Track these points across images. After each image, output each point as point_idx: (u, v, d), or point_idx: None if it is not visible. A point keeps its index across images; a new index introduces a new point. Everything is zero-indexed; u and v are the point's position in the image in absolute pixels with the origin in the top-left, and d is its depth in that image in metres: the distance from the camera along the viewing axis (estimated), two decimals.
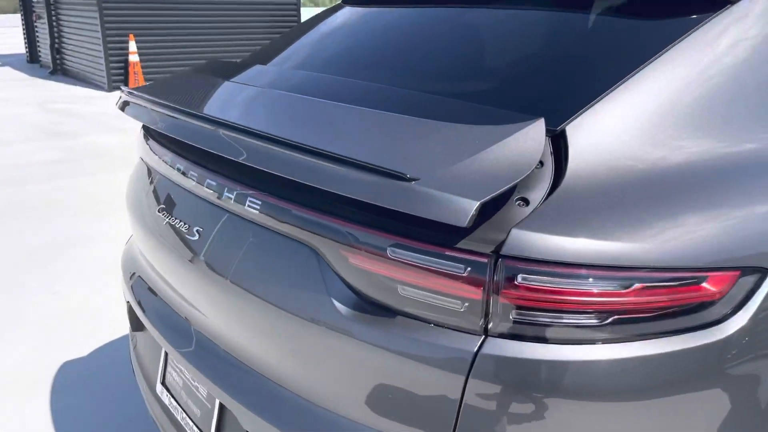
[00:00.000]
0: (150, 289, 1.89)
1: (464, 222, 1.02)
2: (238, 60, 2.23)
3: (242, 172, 1.50)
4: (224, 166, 1.55)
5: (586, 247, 1.10)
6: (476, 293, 1.13)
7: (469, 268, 1.13)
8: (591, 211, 1.13)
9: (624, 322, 1.12)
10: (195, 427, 1.71)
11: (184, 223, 1.62)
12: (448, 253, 1.15)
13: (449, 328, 1.17)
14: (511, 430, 1.14)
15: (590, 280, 1.09)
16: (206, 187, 1.57)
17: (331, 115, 1.47)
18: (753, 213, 1.22)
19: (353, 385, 1.28)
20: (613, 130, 1.25)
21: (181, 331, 1.69)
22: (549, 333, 1.12)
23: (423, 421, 1.20)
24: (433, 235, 1.17)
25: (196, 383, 1.71)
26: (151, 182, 1.87)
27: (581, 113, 1.26)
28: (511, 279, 1.11)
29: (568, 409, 1.12)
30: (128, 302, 2.02)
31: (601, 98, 1.28)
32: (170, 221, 1.68)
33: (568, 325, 1.11)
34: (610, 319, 1.11)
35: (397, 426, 1.23)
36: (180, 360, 1.64)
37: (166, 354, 1.86)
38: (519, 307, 1.12)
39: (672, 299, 1.13)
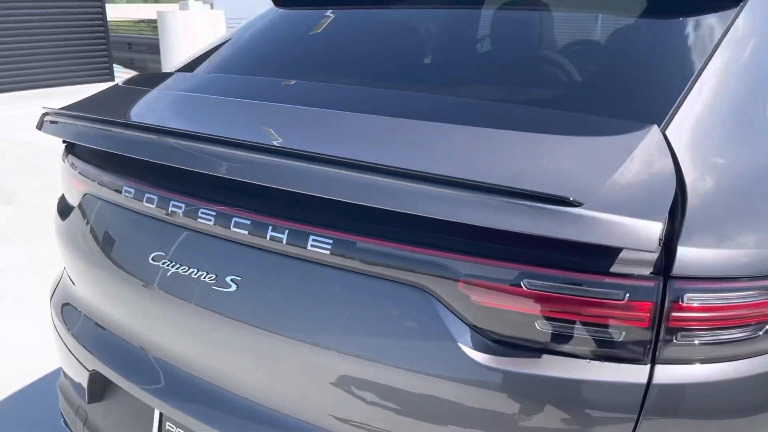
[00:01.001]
0: (136, 353, 1.56)
1: (654, 246, 0.91)
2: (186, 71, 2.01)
3: (296, 206, 1.24)
4: (262, 200, 1.29)
5: (742, 258, 1.04)
6: (642, 320, 1.01)
7: (629, 294, 1.01)
8: (728, 219, 1.09)
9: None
10: None
11: (207, 273, 1.33)
12: (602, 279, 1.01)
13: (606, 361, 1.04)
14: None
15: (753, 292, 1.03)
16: (236, 227, 1.29)
17: (413, 133, 1.28)
18: None
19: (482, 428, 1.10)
20: (704, 128, 1.21)
21: (205, 398, 1.40)
22: (720, 352, 1.04)
23: None
24: (578, 262, 1.02)
25: None
26: (122, 225, 1.57)
27: (672, 114, 1.20)
28: (679, 300, 1.01)
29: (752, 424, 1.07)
30: (93, 371, 1.66)
31: (684, 97, 1.23)
32: (178, 271, 1.38)
33: (737, 341, 1.04)
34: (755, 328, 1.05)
35: None
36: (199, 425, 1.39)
37: (162, 424, 1.55)
38: (688, 330, 1.02)
39: None
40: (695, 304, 1.00)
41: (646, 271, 1.00)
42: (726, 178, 1.16)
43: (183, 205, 1.39)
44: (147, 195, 1.47)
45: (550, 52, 1.63)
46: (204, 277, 1.33)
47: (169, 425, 1.53)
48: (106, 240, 1.59)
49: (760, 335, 1.03)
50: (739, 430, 1.06)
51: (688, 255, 1.00)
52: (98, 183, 1.63)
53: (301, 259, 1.22)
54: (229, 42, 2.12)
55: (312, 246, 1.20)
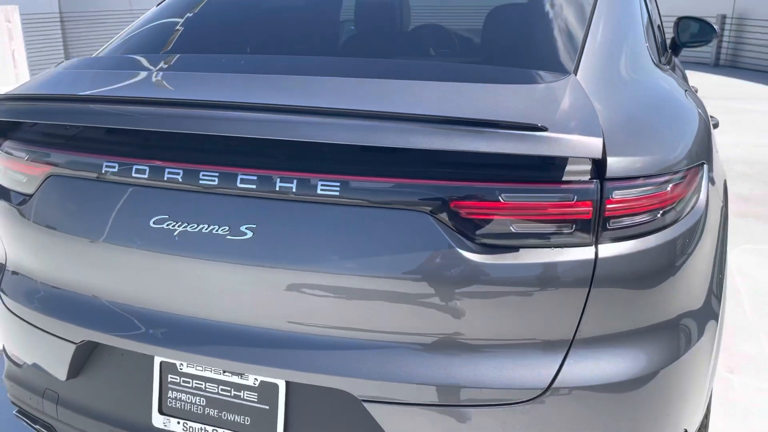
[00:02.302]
0: (140, 313, 1.67)
1: (599, 152, 1.32)
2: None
3: (299, 157, 1.48)
4: (264, 155, 1.50)
5: (643, 164, 1.46)
6: (587, 213, 1.39)
7: (576, 195, 1.38)
8: (632, 137, 1.53)
9: (665, 213, 1.48)
10: None
11: (219, 226, 1.50)
12: (558, 186, 1.37)
13: (564, 247, 1.40)
14: (629, 307, 1.47)
15: (651, 186, 1.45)
16: (243, 183, 1.49)
17: (388, 88, 1.60)
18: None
19: (489, 319, 1.44)
20: (601, 71, 1.70)
21: (209, 338, 1.58)
22: (637, 230, 1.44)
23: (548, 328, 1.44)
24: (537, 175, 1.38)
25: (251, 381, 1.61)
26: (108, 198, 1.65)
27: (576, 64, 1.68)
28: (611, 196, 1.40)
29: (663, 278, 1.49)
30: (82, 342, 1.73)
31: (582, 49, 1.73)
32: (186, 230, 1.53)
33: (645, 222, 1.45)
34: (661, 213, 1.48)
35: (526, 339, 1.45)
36: (215, 363, 1.58)
37: (164, 377, 1.69)
38: (617, 217, 1.41)
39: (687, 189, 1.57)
40: (620, 198, 1.40)
41: (588, 177, 1.38)
42: (624, 107, 1.61)
43: (180, 171, 1.55)
44: (136, 167, 1.60)
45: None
46: (216, 230, 1.51)
47: (171, 377, 1.68)
48: (90, 214, 1.67)
49: (658, 217, 1.46)
50: (651, 284, 1.47)
51: (612, 163, 1.40)
52: (66, 164, 1.70)
53: (312, 201, 1.46)
54: (156, 21, 2.29)
55: (322, 190, 1.44)
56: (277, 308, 1.53)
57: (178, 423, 1.68)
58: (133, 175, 1.60)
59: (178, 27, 2.29)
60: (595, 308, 1.41)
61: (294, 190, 1.46)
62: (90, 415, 1.81)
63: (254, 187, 1.49)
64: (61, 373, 1.81)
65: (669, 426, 1.57)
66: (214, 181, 1.52)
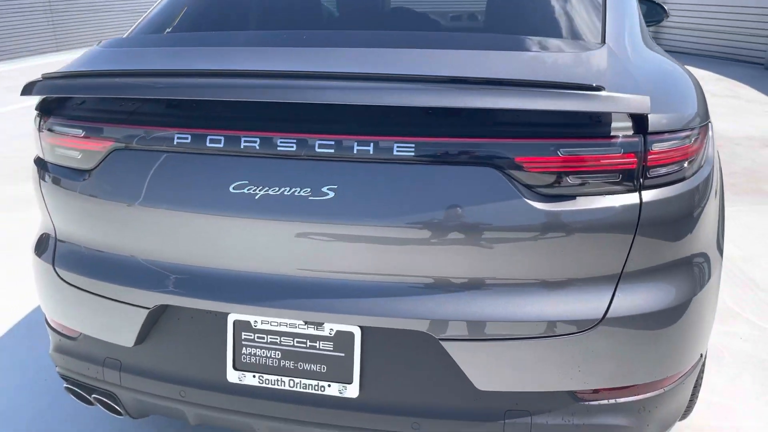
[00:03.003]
0: (217, 275, 1.78)
1: (648, 109, 1.51)
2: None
3: (374, 121, 1.64)
4: (343, 121, 1.64)
5: (671, 120, 1.69)
6: (632, 164, 1.60)
7: (623, 148, 1.59)
8: (661, 96, 1.71)
9: (690, 163, 1.72)
10: (324, 385, 1.75)
11: (301, 188, 1.64)
12: (608, 141, 1.58)
13: (614, 194, 1.61)
14: (664, 245, 1.69)
15: (678, 140, 1.68)
16: (321, 149, 1.62)
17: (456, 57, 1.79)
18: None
19: (551, 260, 1.64)
20: (623, 40, 1.91)
21: (286, 292, 1.71)
22: (672, 177, 1.67)
23: (601, 266, 1.65)
24: (591, 131, 1.58)
25: (325, 331, 1.73)
26: (181, 167, 1.76)
27: (603, 32, 1.93)
28: (651, 148, 1.61)
29: (690, 219, 1.74)
30: (155, 307, 1.83)
31: (603, 24, 1.98)
32: (268, 193, 1.66)
33: (677, 171, 1.68)
34: (686, 163, 1.71)
35: (582, 276, 1.65)
36: (295, 314, 1.72)
37: (237, 335, 1.81)
38: (656, 166, 1.63)
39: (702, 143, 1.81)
40: (657, 149, 1.61)
41: (633, 132, 1.59)
42: (646, 73, 1.83)
43: (257, 139, 1.67)
44: (210, 137, 1.70)
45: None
46: (298, 192, 1.64)
47: (245, 334, 1.79)
48: (163, 184, 1.76)
49: (684, 167, 1.68)
50: (681, 224, 1.70)
51: (652, 119, 1.61)
52: (133, 138, 1.78)
53: (389, 162, 1.60)
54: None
55: (398, 152, 1.59)
56: (357, 260, 1.67)
57: (254, 377, 1.80)
58: (208, 144, 1.70)
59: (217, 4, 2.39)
60: (639, 246, 1.62)
61: (371, 152, 1.61)
62: (158, 378, 1.90)
63: (332, 151, 1.63)
64: (128, 339, 1.89)
65: (695, 348, 1.81)
66: (292, 147, 1.65)
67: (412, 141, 1.59)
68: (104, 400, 2.03)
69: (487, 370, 1.67)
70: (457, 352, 1.65)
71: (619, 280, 1.65)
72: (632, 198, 1.60)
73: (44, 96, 1.94)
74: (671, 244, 1.69)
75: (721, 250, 1.94)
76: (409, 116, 1.63)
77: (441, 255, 1.64)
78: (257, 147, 1.67)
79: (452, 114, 1.62)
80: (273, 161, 1.67)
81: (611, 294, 1.64)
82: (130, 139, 1.79)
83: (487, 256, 1.62)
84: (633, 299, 1.65)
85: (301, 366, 1.78)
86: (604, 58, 1.74)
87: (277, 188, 1.65)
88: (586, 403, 1.69)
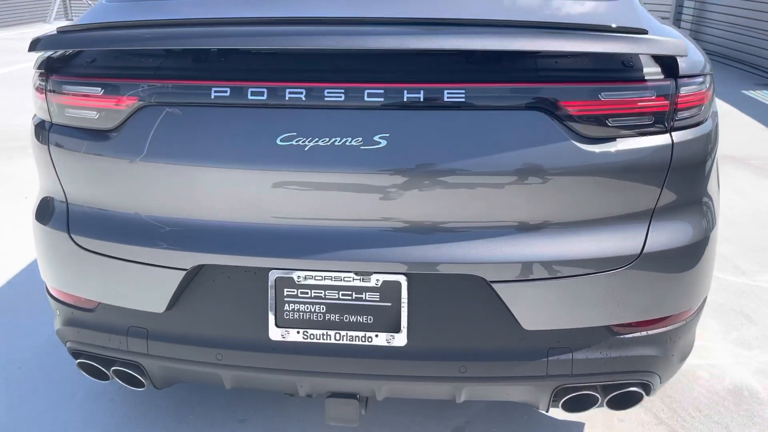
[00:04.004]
0: (262, 230, 1.75)
1: (685, 51, 1.63)
2: None
3: (422, 69, 1.66)
4: (391, 69, 1.65)
5: (690, 64, 1.77)
6: (665, 106, 1.69)
7: (655, 92, 1.69)
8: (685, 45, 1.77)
9: (707, 108, 1.83)
10: (372, 335, 1.76)
11: (352, 138, 1.63)
12: (644, 84, 1.66)
13: (648, 135, 1.70)
14: (688, 183, 1.80)
15: (697, 85, 1.77)
16: (370, 98, 1.63)
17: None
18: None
19: (593, 199, 1.72)
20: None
21: (331, 243, 1.71)
22: (695, 120, 1.76)
23: (637, 203, 1.74)
24: (628, 76, 1.66)
25: (371, 281, 1.74)
26: (220, 122, 1.72)
27: None
28: (680, 91, 1.71)
29: (706, 161, 1.85)
30: (193, 268, 1.77)
31: None
32: (318, 144, 1.64)
33: (695, 114, 1.77)
34: (703, 108, 1.81)
35: (621, 214, 1.74)
36: (340, 264, 1.72)
37: (279, 291, 1.78)
38: (683, 109, 1.73)
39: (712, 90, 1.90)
40: (685, 93, 1.72)
41: (665, 75, 1.69)
42: (660, 23, 1.93)
43: (303, 90, 1.65)
44: (251, 90, 1.67)
45: None
46: (350, 142, 1.63)
47: (287, 290, 1.77)
48: (200, 140, 1.71)
49: (702, 111, 1.80)
50: (700, 165, 1.81)
51: (680, 63, 1.72)
52: (163, 93, 1.72)
53: (440, 108, 1.63)
54: None
55: (448, 98, 1.62)
56: (408, 207, 1.69)
57: (298, 332, 1.79)
58: (250, 98, 1.67)
59: None
60: (669, 184, 1.73)
61: (422, 99, 1.63)
62: (192, 342, 1.85)
63: (382, 100, 1.63)
64: (160, 305, 1.83)
65: (708, 282, 1.94)
66: (340, 97, 1.64)
67: (462, 87, 1.63)
68: (127, 371, 1.96)
69: (534, 309, 1.73)
70: (507, 293, 1.70)
71: (651, 218, 1.75)
72: (665, 139, 1.70)
73: (55, 51, 1.84)
74: (692, 184, 1.81)
75: (719, 189, 2.09)
76: (458, 62, 1.66)
77: (492, 198, 1.68)
78: (303, 98, 1.65)
79: (501, 59, 1.67)
80: (321, 112, 1.66)
81: (646, 231, 1.74)
82: (159, 95, 1.73)
83: (535, 197, 1.68)
84: (664, 235, 1.76)
85: (347, 318, 1.78)
86: (628, 6, 1.83)
87: (327, 139, 1.65)
88: (622, 336, 1.79)
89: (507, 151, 1.64)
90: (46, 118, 1.89)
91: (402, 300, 1.75)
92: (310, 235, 1.73)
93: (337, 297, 1.78)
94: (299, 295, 1.78)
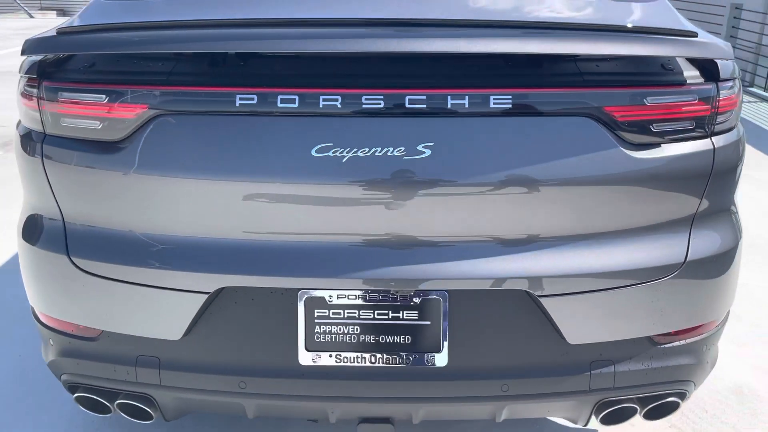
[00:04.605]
0: (290, 248, 1.62)
1: (732, 55, 1.63)
2: None
3: (468, 74, 1.58)
4: (431, 75, 1.56)
5: (724, 70, 1.72)
6: (707, 110, 1.67)
7: (698, 96, 1.65)
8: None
9: (737, 114, 1.78)
10: (410, 357, 1.66)
11: (394, 148, 1.52)
12: (688, 88, 1.63)
13: (691, 140, 1.66)
14: (724, 190, 1.77)
15: (729, 89, 1.72)
16: (412, 104, 1.53)
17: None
18: None
19: (637, 206, 1.67)
20: None
21: (370, 260, 1.61)
22: (727, 126, 1.73)
23: (679, 210, 1.70)
24: (673, 80, 1.62)
25: (413, 299, 1.64)
26: (246, 132, 1.58)
27: None
28: (720, 95, 1.68)
29: (738, 167, 1.81)
30: (216, 291, 1.63)
31: None
32: (357, 155, 1.53)
33: (729, 119, 1.73)
34: (734, 113, 1.76)
35: (664, 221, 1.69)
36: (386, 284, 1.61)
37: (309, 313, 1.65)
38: (722, 113, 1.69)
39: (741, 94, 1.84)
40: (724, 96, 1.69)
41: (707, 79, 1.65)
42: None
43: (338, 97, 1.53)
44: (281, 97, 1.53)
45: None
46: (392, 152, 1.52)
47: (318, 311, 1.65)
48: (224, 153, 1.56)
49: (733, 115, 1.76)
50: (734, 170, 1.78)
51: (720, 67, 1.68)
52: (177, 101, 1.57)
53: (486, 115, 1.54)
54: None
55: (494, 104, 1.53)
56: (452, 220, 1.60)
57: (330, 356, 1.67)
58: (279, 105, 1.54)
59: None
60: (709, 190, 1.70)
61: (466, 105, 1.53)
62: (211, 371, 1.70)
63: (425, 107, 1.53)
64: (176, 331, 1.67)
65: (736, 287, 1.93)
66: (379, 104, 1.53)
67: (508, 92, 1.54)
68: (134, 404, 1.79)
69: (579, 323, 1.67)
70: (553, 307, 1.63)
71: (692, 225, 1.71)
72: (707, 144, 1.67)
73: (47, 55, 1.65)
74: (727, 189, 1.78)
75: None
76: (504, 66, 1.58)
77: (539, 208, 1.60)
78: (339, 106, 1.53)
79: (548, 63, 1.59)
80: (359, 120, 1.54)
81: (687, 238, 1.70)
82: (176, 102, 1.57)
83: (583, 207, 1.61)
84: (703, 243, 1.73)
85: (383, 339, 1.67)
86: (666, 8, 1.79)
87: (367, 149, 1.53)
88: (663, 346, 1.75)
89: (554, 159, 1.57)
90: (38, 128, 1.70)
91: (442, 318, 1.65)
92: (345, 252, 1.62)
93: (372, 317, 1.66)
94: (331, 316, 1.66)
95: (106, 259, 1.67)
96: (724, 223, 1.79)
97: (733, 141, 1.74)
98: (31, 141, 1.71)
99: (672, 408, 1.83)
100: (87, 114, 1.63)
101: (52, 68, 1.66)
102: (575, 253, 1.64)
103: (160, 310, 1.67)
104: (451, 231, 1.61)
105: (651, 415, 1.84)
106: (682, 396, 1.82)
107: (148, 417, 1.83)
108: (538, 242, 1.63)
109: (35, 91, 1.67)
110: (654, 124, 1.61)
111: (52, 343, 1.84)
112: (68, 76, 1.65)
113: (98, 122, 1.62)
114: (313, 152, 1.54)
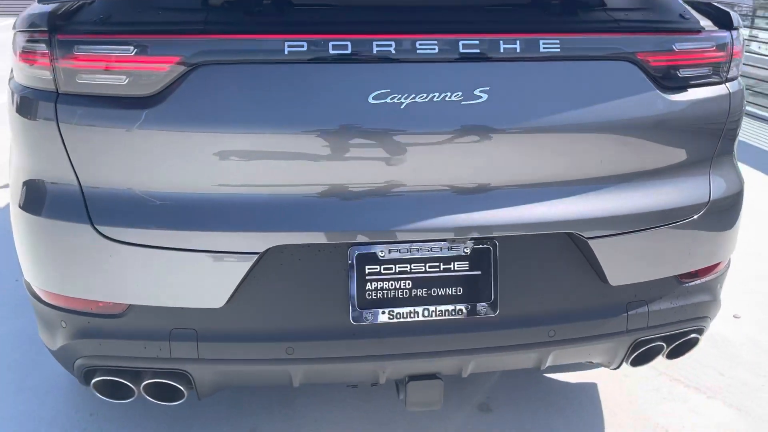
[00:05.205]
0: (325, 205, 1.57)
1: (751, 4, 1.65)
2: None
3: (517, 18, 1.60)
4: (484, 20, 1.57)
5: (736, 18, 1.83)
6: (725, 57, 1.78)
7: (717, 43, 1.76)
8: None
9: (739, 62, 1.86)
10: (462, 308, 1.65)
11: (452, 93, 1.51)
12: (709, 35, 1.72)
13: (713, 85, 1.77)
14: (732, 134, 1.86)
15: (737, 38, 1.82)
16: (466, 49, 1.52)
17: None
18: None
19: (670, 148, 1.75)
20: None
21: (423, 209, 1.59)
22: (735, 73, 1.83)
23: (702, 151, 1.79)
24: (691, 27, 1.72)
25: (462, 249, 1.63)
26: (296, 80, 1.51)
27: None
28: (735, 41, 1.79)
29: (742, 113, 1.89)
30: (266, 251, 1.55)
31: None
32: (415, 101, 1.50)
33: (736, 67, 1.84)
34: (739, 63, 1.85)
35: (691, 162, 1.79)
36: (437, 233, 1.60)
37: (360, 269, 1.60)
38: (735, 60, 1.81)
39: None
40: (737, 45, 1.80)
41: (725, 27, 1.76)
42: None
43: (392, 43, 1.49)
44: (332, 43, 1.48)
45: None
46: (450, 97, 1.50)
47: (369, 267, 1.60)
48: (271, 103, 1.48)
49: (740, 65, 1.88)
50: (740, 116, 1.88)
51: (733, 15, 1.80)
52: (218, 51, 1.48)
53: (535, 60, 1.56)
54: None
55: (544, 48, 1.55)
56: (503, 166, 1.61)
57: (383, 313, 1.62)
58: (331, 52, 1.49)
59: None
60: (725, 134, 1.80)
61: (518, 50, 1.54)
62: (255, 339, 1.61)
63: (478, 51, 1.53)
64: (219, 298, 1.57)
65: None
66: (434, 49, 1.51)
67: (556, 36, 1.57)
68: (165, 383, 1.66)
69: (621, 263, 1.72)
70: (601, 248, 1.67)
71: (710, 167, 1.81)
72: (723, 89, 1.77)
73: (61, 6, 1.51)
74: (735, 134, 1.90)
75: None
76: (552, 11, 1.60)
77: (586, 151, 1.64)
78: (393, 52, 1.50)
79: (589, 9, 1.63)
80: (415, 66, 1.52)
81: (708, 179, 1.80)
82: (217, 52, 1.48)
83: (626, 148, 1.67)
84: (720, 184, 1.83)
85: (435, 292, 1.65)
86: None
87: (425, 95, 1.51)
88: (687, 284, 1.83)
89: (598, 102, 1.61)
90: (49, 87, 1.55)
91: (493, 267, 1.65)
92: (397, 204, 1.58)
93: (423, 270, 1.64)
94: (382, 271, 1.62)
95: (139, 225, 1.54)
96: (732, 168, 1.91)
97: (740, 88, 1.85)
98: (39, 102, 1.56)
99: (692, 344, 1.92)
100: (111, 68, 1.50)
101: (62, 21, 1.52)
102: (617, 194, 1.69)
103: (202, 277, 1.56)
104: (501, 177, 1.62)
105: (674, 353, 1.93)
106: (701, 332, 1.91)
107: (178, 397, 1.71)
108: (582, 184, 1.66)
109: (43, 46, 1.52)
110: (681, 69, 1.69)
111: (64, 325, 1.68)
112: (85, 27, 1.51)
113: (124, 76, 1.50)
114: (370, 99, 1.49)
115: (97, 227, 1.56)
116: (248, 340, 1.61)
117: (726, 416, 2.32)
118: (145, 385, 1.67)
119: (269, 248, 1.55)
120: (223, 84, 1.49)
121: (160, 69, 1.48)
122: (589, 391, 2.44)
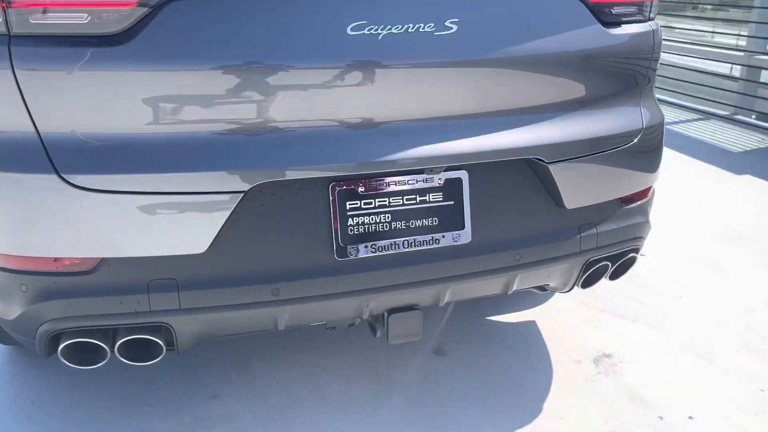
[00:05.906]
0: (303, 140, 1.56)
1: None
2: None
3: None
4: None
5: None
6: None
7: None
8: None
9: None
10: (439, 237, 1.70)
11: (425, 24, 1.55)
12: None
13: (641, 22, 1.93)
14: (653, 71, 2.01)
15: None
16: None
17: None
18: None
19: (607, 78, 1.86)
20: None
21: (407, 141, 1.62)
22: (654, 14, 1.99)
23: (635, 82, 1.94)
24: None
25: (437, 178, 1.68)
26: (272, 10, 1.50)
27: None
28: None
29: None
30: (250, 189, 1.52)
31: None
32: (392, 32, 1.53)
33: (655, 8, 1.99)
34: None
35: (626, 93, 1.92)
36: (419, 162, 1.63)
37: (341, 205, 1.62)
38: (653, 3, 1.95)
39: None
40: None
41: None
42: None
43: None
44: None
45: None
46: (423, 29, 1.55)
47: (350, 203, 1.62)
48: (246, 36, 1.46)
49: (652, 8, 2.09)
50: (660, 54, 2.08)
51: None
52: None
53: None
54: None
55: None
56: (472, 97, 1.68)
57: (366, 247, 1.65)
58: None
59: None
60: (651, 68, 1.99)
61: None
62: (240, 282, 1.58)
63: None
64: (201, 243, 1.52)
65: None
66: None
67: None
68: (143, 339, 1.59)
69: (576, 187, 1.85)
70: (559, 173, 1.79)
71: (641, 98, 1.99)
72: (649, 26, 1.95)
73: None
74: (655, 69, 2.09)
75: None
76: None
77: (541, 80, 1.75)
78: None
79: None
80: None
81: (640, 108, 1.97)
82: None
83: (579, 78, 1.80)
84: (648, 113, 2.01)
85: (413, 224, 1.69)
86: None
87: (400, 26, 1.54)
88: (626, 207, 2.01)
89: (552, 34, 1.73)
90: (0, 30, 1.43)
91: (463, 196, 1.72)
92: (374, 136, 1.61)
93: (401, 203, 1.68)
94: (362, 206, 1.64)
95: (111, 171, 1.46)
96: (654, 100, 2.10)
97: (658, 28, 2.05)
98: None
99: (631, 263, 2.10)
100: (68, 6, 1.41)
101: None
102: (571, 121, 1.81)
103: (183, 222, 1.51)
104: (470, 107, 1.69)
105: (616, 273, 2.10)
106: (637, 251, 2.10)
107: (156, 354, 1.64)
108: (541, 112, 1.77)
109: None
110: (615, 7, 1.85)
111: (25, 289, 1.56)
112: None
113: (85, 14, 1.42)
114: (348, 30, 1.51)
115: (63, 175, 1.46)
116: (233, 285, 1.58)
117: (650, 336, 2.55)
118: (121, 344, 1.59)
119: (253, 186, 1.53)
120: (196, 19, 1.45)
121: (125, 4, 1.42)
122: (530, 327, 2.59)
